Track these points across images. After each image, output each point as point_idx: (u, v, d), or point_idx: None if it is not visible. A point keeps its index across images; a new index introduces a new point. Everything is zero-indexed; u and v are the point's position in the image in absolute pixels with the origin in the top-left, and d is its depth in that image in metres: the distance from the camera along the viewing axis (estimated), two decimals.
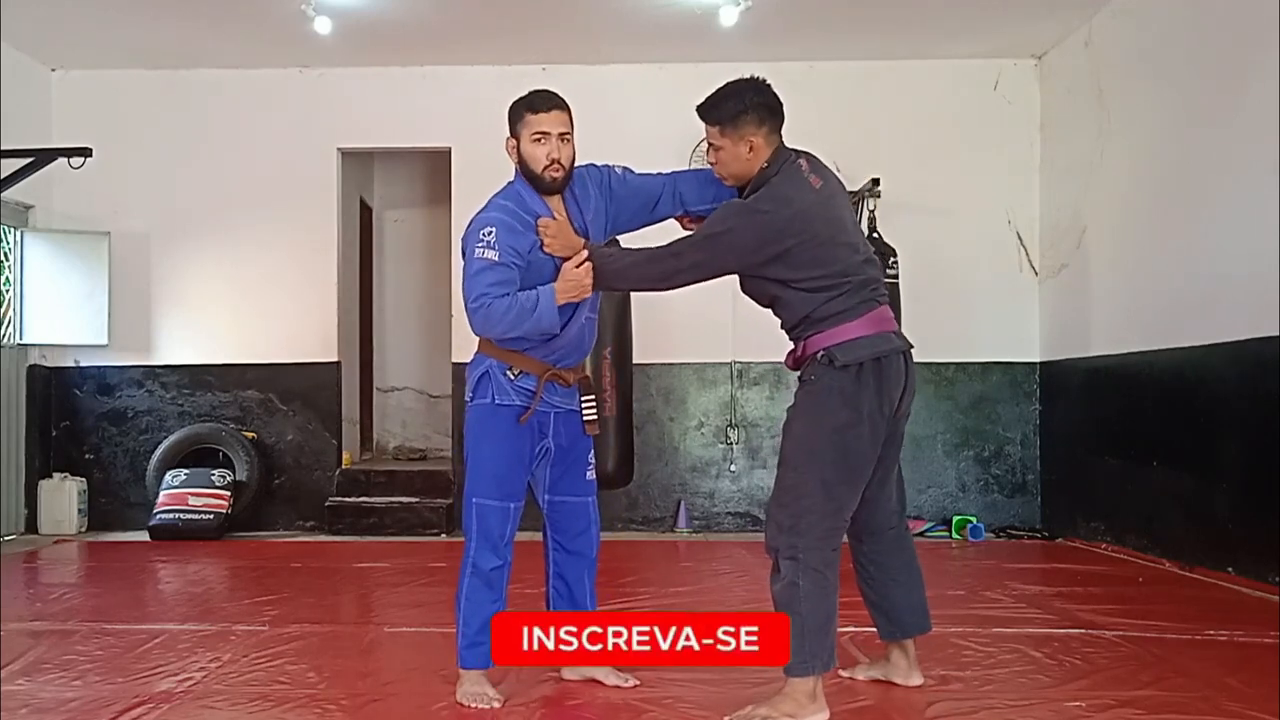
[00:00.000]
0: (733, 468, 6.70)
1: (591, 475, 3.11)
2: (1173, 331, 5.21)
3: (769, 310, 2.92)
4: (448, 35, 6.26)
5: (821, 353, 2.73)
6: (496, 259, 2.81)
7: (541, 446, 2.99)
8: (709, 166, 2.99)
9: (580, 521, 3.07)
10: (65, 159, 5.28)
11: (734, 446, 6.69)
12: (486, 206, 2.93)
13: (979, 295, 6.65)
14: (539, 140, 2.86)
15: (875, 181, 6.26)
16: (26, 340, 6.50)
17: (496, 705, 2.89)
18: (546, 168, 2.87)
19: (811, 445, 2.73)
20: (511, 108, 2.94)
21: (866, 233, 6.22)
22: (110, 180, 6.50)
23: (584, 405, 3.06)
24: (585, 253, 2.85)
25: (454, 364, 6.61)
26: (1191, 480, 5.06)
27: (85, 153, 5.28)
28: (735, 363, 6.66)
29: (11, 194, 5.84)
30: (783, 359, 2.96)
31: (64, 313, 6.55)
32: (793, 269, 2.74)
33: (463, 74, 6.73)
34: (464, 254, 2.91)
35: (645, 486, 6.67)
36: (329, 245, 6.86)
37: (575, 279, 2.84)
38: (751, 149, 2.82)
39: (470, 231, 2.90)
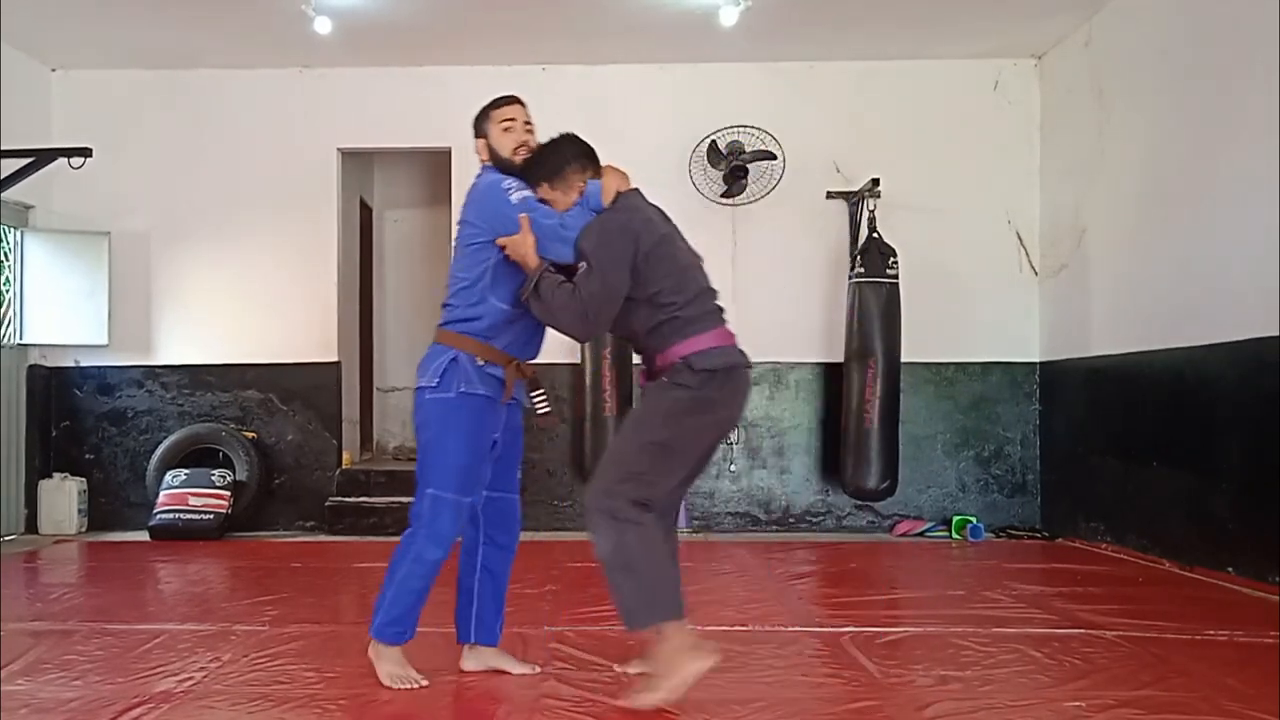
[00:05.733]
0: (733, 468, 6.69)
1: (519, 474, 3.24)
2: (1173, 331, 5.21)
3: (646, 336, 2.97)
4: (448, 35, 6.26)
5: (680, 360, 2.90)
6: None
7: (495, 441, 3.03)
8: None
9: (513, 517, 3.18)
10: (65, 159, 5.28)
11: (734, 446, 6.68)
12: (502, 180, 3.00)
13: (979, 295, 6.64)
14: (509, 129, 3.03)
15: (875, 181, 6.26)
16: (26, 340, 6.50)
17: (421, 684, 3.00)
18: (515, 150, 3.03)
19: (641, 419, 2.94)
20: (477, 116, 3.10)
21: (866, 233, 6.23)
22: (110, 180, 6.51)
23: (536, 399, 3.11)
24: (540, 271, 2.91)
25: None
26: (1191, 480, 5.06)
27: (85, 153, 5.27)
28: None
29: (11, 194, 5.84)
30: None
31: (64, 312, 6.54)
32: (657, 277, 2.88)
33: (463, 74, 6.72)
34: (489, 203, 2.95)
35: None
36: (329, 245, 6.86)
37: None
38: (581, 194, 3.02)
39: (498, 187, 2.96)
